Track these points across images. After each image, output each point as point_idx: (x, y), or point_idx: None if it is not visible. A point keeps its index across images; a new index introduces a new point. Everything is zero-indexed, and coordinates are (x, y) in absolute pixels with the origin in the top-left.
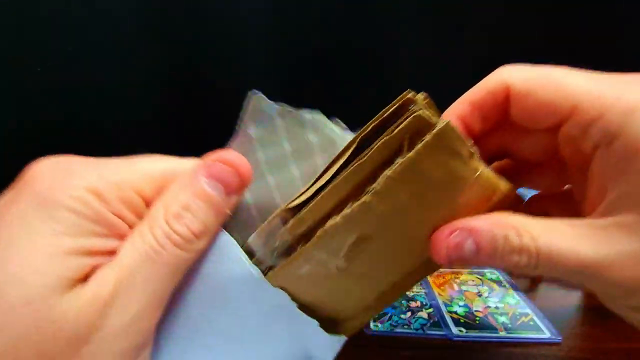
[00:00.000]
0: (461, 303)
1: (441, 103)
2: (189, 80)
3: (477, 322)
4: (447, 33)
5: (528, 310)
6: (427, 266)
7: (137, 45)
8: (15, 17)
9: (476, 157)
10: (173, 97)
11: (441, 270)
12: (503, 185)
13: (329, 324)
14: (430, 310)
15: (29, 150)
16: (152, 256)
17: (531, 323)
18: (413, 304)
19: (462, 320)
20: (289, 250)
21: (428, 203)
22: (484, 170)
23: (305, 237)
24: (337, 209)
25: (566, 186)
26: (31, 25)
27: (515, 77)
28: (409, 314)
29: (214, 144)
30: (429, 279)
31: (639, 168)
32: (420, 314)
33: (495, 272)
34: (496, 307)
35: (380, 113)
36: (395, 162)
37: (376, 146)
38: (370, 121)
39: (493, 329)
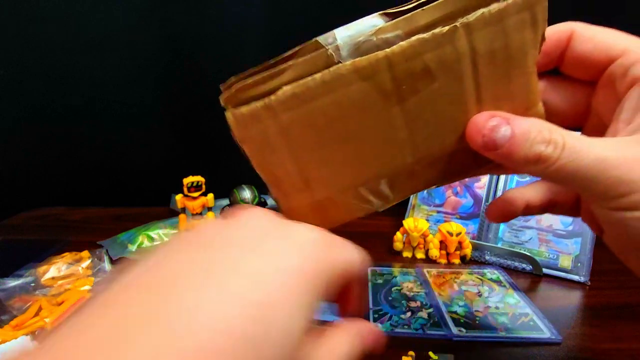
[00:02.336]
0: (461, 303)
1: None
2: (187, 75)
3: (477, 322)
4: None
5: (528, 310)
6: (457, 157)
7: (135, 41)
8: (16, 16)
9: (540, 52)
10: (170, 93)
11: (441, 270)
12: (541, 106)
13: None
14: (430, 310)
15: (28, 144)
16: None
17: (531, 323)
18: (413, 304)
19: (462, 320)
20: (365, 52)
21: (491, 69)
22: (537, 77)
23: (388, 44)
24: (427, 28)
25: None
26: (31, 23)
27: (581, 25)
28: (409, 314)
29: (211, 139)
30: (429, 279)
31: None
32: (420, 314)
33: (495, 272)
34: (496, 307)
35: None
36: (492, 5)
37: None
38: None
39: (493, 329)
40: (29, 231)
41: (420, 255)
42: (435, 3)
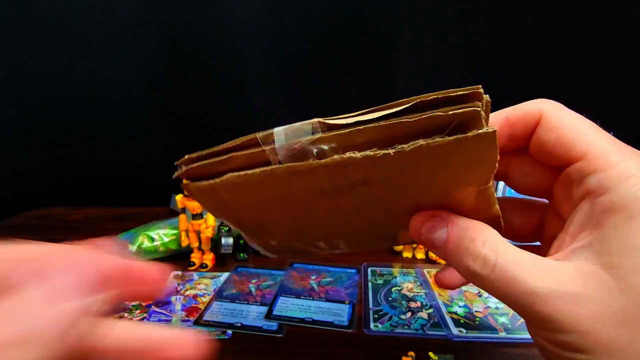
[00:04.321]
0: (461, 303)
1: None
2: (187, 75)
3: (477, 322)
4: (446, 29)
5: None
6: (395, 240)
7: (135, 40)
8: (16, 16)
9: (494, 172)
10: (170, 92)
11: None
12: (496, 209)
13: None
14: (430, 310)
15: (28, 144)
16: None
17: None
18: (413, 305)
19: (462, 321)
20: (300, 158)
21: (435, 187)
22: (492, 187)
23: (322, 155)
24: (362, 146)
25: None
26: (31, 23)
27: (550, 108)
28: (409, 314)
29: (211, 139)
30: (429, 279)
31: (614, 224)
32: (420, 314)
33: None
34: (496, 308)
35: (445, 91)
36: (434, 137)
37: (428, 115)
38: (434, 93)
39: (493, 329)
40: (29, 231)
41: (420, 255)
42: (373, 125)
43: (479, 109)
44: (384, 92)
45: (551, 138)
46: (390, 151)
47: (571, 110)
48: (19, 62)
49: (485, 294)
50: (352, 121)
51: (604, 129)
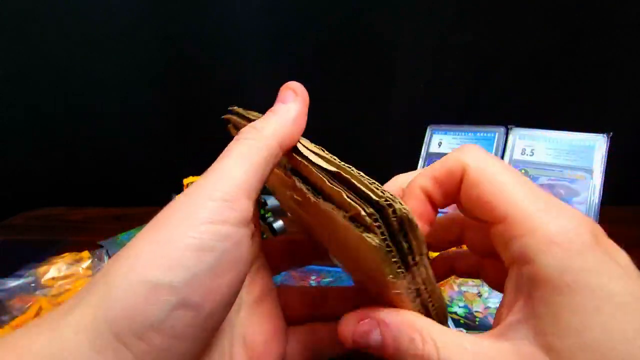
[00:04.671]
0: (461, 304)
1: (440, 100)
2: (187, 75)
3: (477, 322)
4: (446, 29)
5: None
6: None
7: (135, 41)
8: (16, 16)
9: (401, 277)
10: (170, 92)
11: None
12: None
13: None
14: None
15: (28, 144)
16: None
17: None
18: None
19: (462, 321)
20: (277, 165)
21: (355, 261)
22: (409, 296)
23: (290, 169)
24: (308, 180)
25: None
26: (31, 23)
27: (472, 161)
28: None
29: (211, 139)
30: None
31: (544, 300)
32: None
33: None
34: (496, 308)
35: (361, 177)
36: (340, 211)
37: (335, 190)
38: (355, 175)
39: None
40: (29, 231)
41: None
42: (311, 167)
43: (364, 214)
44: (384, 93)
45: (473, 196)
46: (312, 198)
47: (497, 161)
48: (19, 62)
49: (485, 294)
50: (304, 153)
51: (603, 129)
